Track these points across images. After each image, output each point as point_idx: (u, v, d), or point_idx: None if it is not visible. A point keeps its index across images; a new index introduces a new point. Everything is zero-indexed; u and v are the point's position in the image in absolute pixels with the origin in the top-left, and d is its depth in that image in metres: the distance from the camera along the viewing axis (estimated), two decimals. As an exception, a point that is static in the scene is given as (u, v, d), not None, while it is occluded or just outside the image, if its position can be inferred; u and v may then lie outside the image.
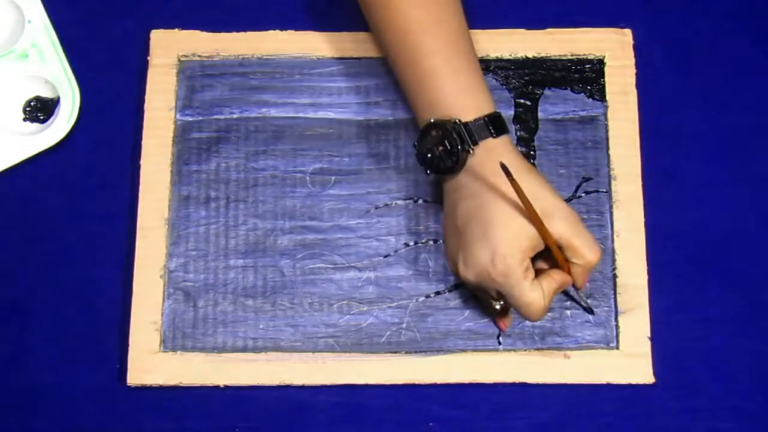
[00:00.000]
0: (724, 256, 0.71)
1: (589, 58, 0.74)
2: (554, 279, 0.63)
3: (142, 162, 0.72)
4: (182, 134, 0.73)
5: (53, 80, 0.74)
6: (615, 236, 0.71)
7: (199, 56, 0.74)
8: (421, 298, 0.70)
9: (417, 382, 0.69)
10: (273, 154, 0.73)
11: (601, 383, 0.68)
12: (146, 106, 0.73)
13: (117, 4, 0.76)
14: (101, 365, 0.70)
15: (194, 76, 0.74)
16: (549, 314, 0.70)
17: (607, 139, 0.72)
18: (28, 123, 0.74)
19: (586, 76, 0.74)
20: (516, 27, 0.74)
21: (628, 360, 0.69)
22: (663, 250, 0.71)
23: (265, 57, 0.74)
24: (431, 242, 0.71)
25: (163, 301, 0.70)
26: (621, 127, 0.72)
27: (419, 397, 0.69)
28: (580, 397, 0.69)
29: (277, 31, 0.75)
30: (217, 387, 0.69)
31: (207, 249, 0.71)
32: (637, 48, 0.74)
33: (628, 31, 0.74)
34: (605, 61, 0.74)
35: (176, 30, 0.75)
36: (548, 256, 0.63)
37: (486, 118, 0.63)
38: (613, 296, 0.70)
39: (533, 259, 0.62)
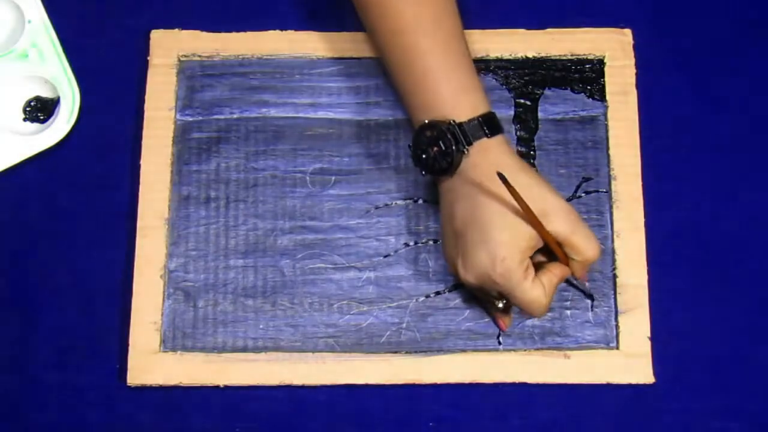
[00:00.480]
0: (724, 256, 0.71)
1: (589, 58, 0.74)
2: (554, 273, 0.63)
3: (142, 162, 0.72)
4: (182, 134, 0.73)
5: (53, 80, 0.74)
6: (615, 236, 0.71)
7: (199, 56, 0.74)
8: (421, 298, 0.70)
9: (417, 382, 0.69)
10: (273, 154, 0.73)
11: (601, 383, 0.68)
12: (146, 106, 0.73)
13: (117, 4, 0.76)
14: (101, 365, 0.70)
15: (194, 76, 0.74)
16: (549, 314, 0.70)
17: (607, 139, 0.72)
18: (28, 123, 0.74)
19: (586, 76, 0.74)
20: (516, 27, 0.74)
21: (628, 360, 0.69)
22: (663, 250, 0.71)
23: (265, 57, 0.74)
24: (431, 242, 0.71)
25: (163, 301, 0.70)
26: (621, 127, 0.72)
27: (419, 397, 0.69)
28: (580, 397, 0.69)
29: (277, 31, 0.75)
30: (217, 387, 0.69)
31: (207, 249, 0.71)
32: (637, 48, 0.74)
33: (628, 31, 0.74)
34: (605, 61, 0.74)
35: (176, 30, 0.75)
36: (546, 248, 0.63)
37: (480, 119, 0.62)
38: (613, 296, 0.70)
39: (533, 253, 0.62)
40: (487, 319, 0.70)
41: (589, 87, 0.74)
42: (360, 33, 0.74)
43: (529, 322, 0.70)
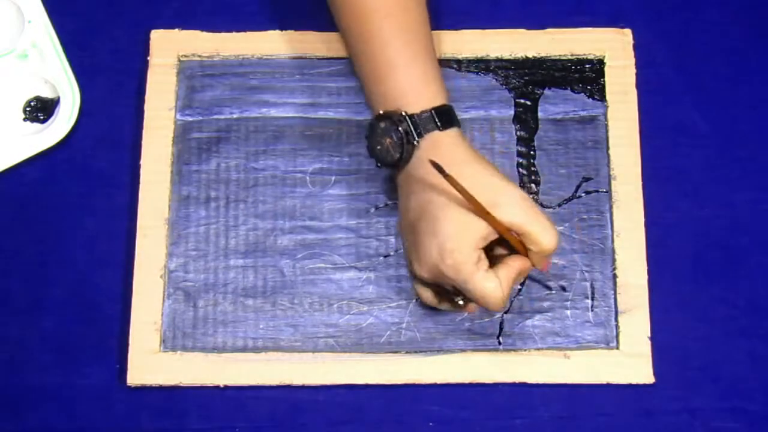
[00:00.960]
0: (724, 256, 0.71)
1: (589, 58, 0.74)
2: (512, 266, 0.61)
3: (142, 162, 0.72)
4: (182, 134, 0.73)
5: (53, 80, 0.74)
6: (615, 236, 0.71)
7: (199, 56, 0.74)
8: (421, 298, 0.70)
9: (417, 382, 0.69)
10: (273, 154, 0.73)
11: (601, 383, 0.68)
12: (146, 106, 0.73)
13: (117, 4, 0.76)
14: (101, 365, 0.70)
15: (194, 76, 0.74)
16: (549, 314, 0.70)
17: (607, 139, 0.72)
18: (28, 123, 0.74)
19: (586, 76, 0.74)
20: (516, 27, 0.74)
21: (628, 360, 0.69)
22: (663, 250, 0.71)
23: (265, 57, 0.74)
24: (431, 242, 0.71)
25: (163, 301, 0.70)
26: (621, 127, 0.72)
27: (419, 397, 0.69)
28: (580, 397, 0.69)
29: (277, 31, 0.75)
30: (217, 387, 0.69)
31: (207, 249, 0.71)
32: (637, 48, 0.74)
33: (628, 31, 0.74)
34: (605, 61, 0.74)
35: (176, 30, 0.75)
36: (506, 241, 0.62)
37: (433, 110, 0.62)
38: (613, 296, 0.70)
39: (493, 246, 0.62)
40: (487, 319, 0.70)
41: (589, 87, 0.74)
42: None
43: (529, 322, 0.70)
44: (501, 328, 0.70)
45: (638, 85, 0.73)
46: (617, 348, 0.69)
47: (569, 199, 0.72)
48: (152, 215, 0.71)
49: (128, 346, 0.69)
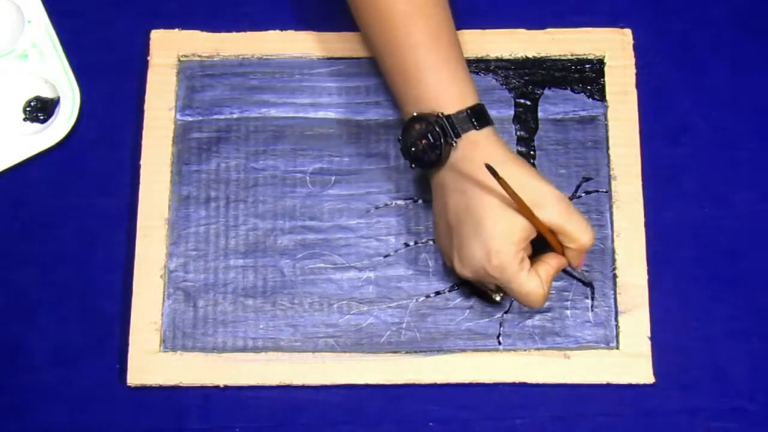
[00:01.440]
0: (724, 256, 0.71)
1: (589, 58, 0.74)
2: (550, 264, 0.63)
3: (142, 162, 0.72)
4: (182, 134, 0.73)
5: (53, 80, 0.74)
6: (615, 236, 0.71)
7: (199, 56, 0.74)
8: (421, 298, 0.70)
9: (417, 382, 0.69)
10: (273, 154, 0.73)
11: (601, 383, 0.68)
12: (146, 106, 0.73)
13: (117, 4, 0.76)
14: (101, 365, 0.70)
15: (194, 76, 0.74)
16: (549, 314, 0.70)
17: (607, 139, 0.72)
18: (28, 123, 0.74)
19: (586, 76, 0.74)
20: (516, 27, 0.74)
21: (628, 360, 0.69)
22: (663, 250, 0.71)
23: (265, 57, 0.74)
24: (431, 242, 0.71)
25: (163, 301, 0.70)
26: (621, 127, 0.72)
27: (419, 397, 0.69)
28: (580, 397, 0.69)
29: (277, 31, 0.75)
30: (217, 387, 0.69)
31: (207, 249, 0.71)
32: (637, 48, 0.74)
33: (628, 31, 0.74)
34: (605, 61, 0.74)
35: (176, 30, 0.75)
36: (541, 239, 0.63)
37: (469, 111, 0.63)
38: (613, 296, 0.70)
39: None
40: (487, 319, 0.70)
41: (589, 87, 0.74)
42: (360, 33, 0.74)
43: (529, 322, 0.70)
44: (501, 328, 0.70)
45: (638, 85, 0.73)
46: (617, 348, 0.69)
47: (569, 199, 0.72)
48: (152, 215, 0.71)
49: (128, 346, 0.69)
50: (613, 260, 0.70)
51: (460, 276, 0.64)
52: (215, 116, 0.73)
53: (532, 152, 0.73)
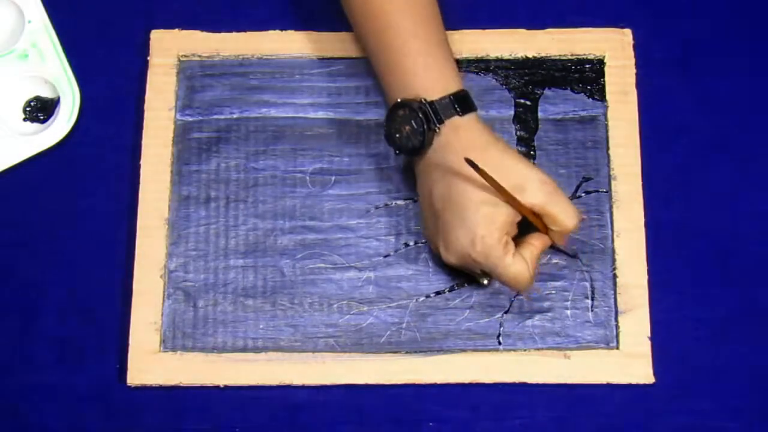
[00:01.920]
0: (724, 256, 0.71)
1: (589, 58, 0.74)
2: (535, 245, 0.63)
3: (142, 162, 0.72)
4: (182, 134, 0.73)
5: (53, 80, 0.74)
6: (615, 236, 0.71)
7: (199, 56, 0.74)
8: (421, 298, 0.70)
9: (417, 382, 0.69)
10: (273, 154, 0.73)
11: (601, 383, 0.68)
12: (146, 106, 0.73)
13: (117, 4, 0.76)
14: (101, 365, 0.70)
15: (194, 76, 0.74)
16: (549, 314, 0.70)
17: (607, 139, 0.72)
18: (28, 123, 0.74)
19: (586, 76, 0.74)
20: (516, 27, 0.74)
21: (628, 360, 0.69)
22: (663, 250, 0.71)
23: (265, 57, 0.74)
24: (431, 242, 0.71)
25: (163, 301, 0.70)
26: (621, 127, 0.72)
27: (419, 397, 0.69)
28: (580, 397, 0.69)
29: (277, 31, 0.75)
30: (217, 387, 0.69)
31: (207, 249, 0.71)
32: (637, 48, 0.74)
33: (628, 31, 0.74)
34: (605, 61, 0.74)
35: (176, 30, 0.75)
36: (525, 219, 0.63)
37: (452, 96, 0.63)
38: (613, 296, 0.70)
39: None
40: (487, 319, 0.70)
41: (589, 87, 0.74)
42: (360, 33, 0.74)
43: (529, 322, 0.70)
44: (501, 328, 0.70)
45: (638, 85, 0.73)
46: (617, 348, 0.69)
47: (569, 199, 0.72)
48: (152, 215, 0.71)
49: (128, 346, 0.69)
50: (613, 260, 0.70)
51: (446, 262, 0.65)
52: (215, 116, 0.73)
53: (532, 152, 0.73)
